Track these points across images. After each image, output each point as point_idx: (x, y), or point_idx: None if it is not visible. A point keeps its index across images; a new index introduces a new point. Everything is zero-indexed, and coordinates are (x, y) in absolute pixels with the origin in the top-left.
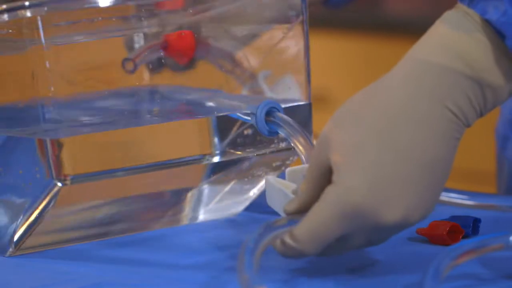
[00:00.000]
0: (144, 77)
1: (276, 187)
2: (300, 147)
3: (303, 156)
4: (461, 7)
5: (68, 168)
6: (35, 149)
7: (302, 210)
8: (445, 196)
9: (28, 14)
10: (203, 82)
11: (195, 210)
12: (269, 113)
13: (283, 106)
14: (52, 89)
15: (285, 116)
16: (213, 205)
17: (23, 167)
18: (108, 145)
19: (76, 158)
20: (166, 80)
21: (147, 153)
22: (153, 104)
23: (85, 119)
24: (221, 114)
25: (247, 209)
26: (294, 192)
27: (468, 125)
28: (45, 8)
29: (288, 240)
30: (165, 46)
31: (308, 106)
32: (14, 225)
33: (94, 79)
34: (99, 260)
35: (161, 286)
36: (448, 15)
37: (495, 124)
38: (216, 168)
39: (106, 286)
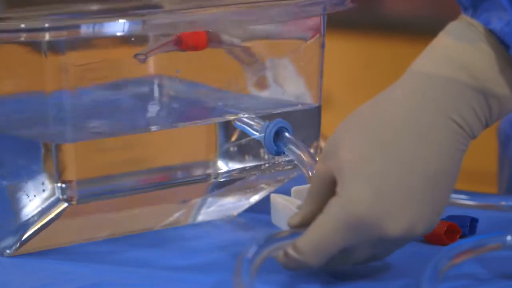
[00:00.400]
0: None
1: (282, 203)
2: (307, 173)
3: (309, 179)
4: (464, 18)
5: (73, 190)
6: (40, 157)
7: (306, 223)
8: None
9: (47, 37)
10: (214, 74)
11: (196, 212)
12: (278, 133)
13: (292, 109)
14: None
15: (293, 139)
16: (214, 207)
17: (28, 174)
18: (114, 154)
19: (83, 174)
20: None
21: (153, 158)
22: (163, 108)
23: (94, 125)
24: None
25: (248, 209)
26: (299, 207)
27: (474, 137)
28: (65, 33)
29: (291, 251)
30: (179, 42)
31: (318, 109)
32: (14, 226)
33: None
34: (98, 260)
35: (160, 286)
36: (451, 26)
37: (497, 123)
38: (221, 185)
39: (106, 286)
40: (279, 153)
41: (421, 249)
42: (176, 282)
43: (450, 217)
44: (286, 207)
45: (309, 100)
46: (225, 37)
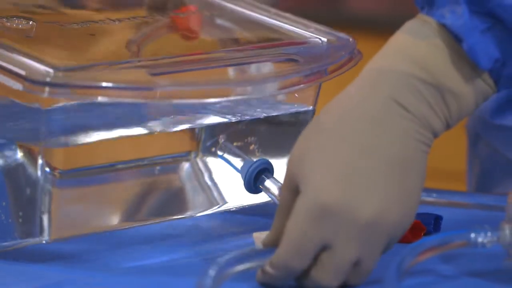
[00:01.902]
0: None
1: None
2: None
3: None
4: (420, 17)
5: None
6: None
7: (279, 239)
8: None
9: (46, 94)
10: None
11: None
12: (259, 173)
13: (287, 111)
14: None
15: (272, 183)
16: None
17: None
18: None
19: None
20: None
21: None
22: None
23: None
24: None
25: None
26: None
27: (435, 134)
28: (69, 91)
29: (268, 268)
30: (172, 27)
31: (312, 112)
32: None
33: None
34: (60, 259)
35: (125, 285)
36: (407, 24)
37: (466, 121)
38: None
39: (68, 285)
40: (258, 191)
41: None
42: (140, 280)
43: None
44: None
45: (305, 104)
46: (219, 21)
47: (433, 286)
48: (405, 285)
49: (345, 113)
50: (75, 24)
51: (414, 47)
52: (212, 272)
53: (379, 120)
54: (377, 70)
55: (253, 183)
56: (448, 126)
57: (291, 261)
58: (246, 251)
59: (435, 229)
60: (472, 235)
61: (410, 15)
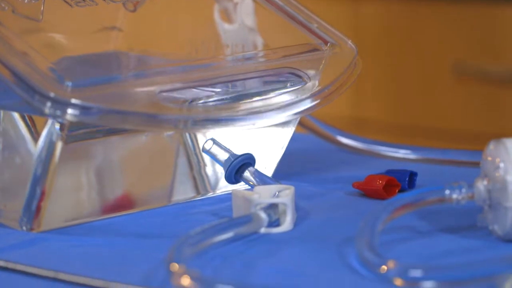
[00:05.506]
0: None
1: (242, 198)
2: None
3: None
4: None
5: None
6: None
7: None
8: (380, 150)
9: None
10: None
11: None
12: (241, 168)
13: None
14: None
15: (252, 176)
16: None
17: None
18: None
19: None
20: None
21: None
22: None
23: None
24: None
25: None
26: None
27: None
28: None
29: None
30: None
31: None
32: None
33: None
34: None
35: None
36: None
37: None
38: None
39: None
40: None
41: (360, 204)
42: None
43: (388, 172)
44: (246, 202)
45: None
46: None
47: (408, 242)
48: (380, 242)
49: None
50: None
51: None
52: (183, 242)
53: None
54: None
55: (234, 175)
56: None
57: None
58: (219, 222)
59: (410, 185)
60: (447, 191)
61: None
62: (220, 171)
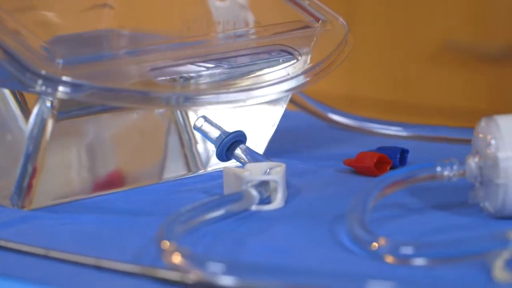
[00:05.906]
0: None
1: (233, 175)
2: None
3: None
4: None
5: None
6: None
7: None
8: (371, 127)
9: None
10: None
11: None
12: (233, 145)
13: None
14: None
15: (243, 153)
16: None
17: None
18: None
19: None
20: None
21: None
22: None
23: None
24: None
25: None
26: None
27: None
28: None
29: None
30: None
31: None
32: None
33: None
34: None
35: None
36: None
37: None
38: None
39: None
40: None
41: (352, 181)
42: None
43: (380, 149)
44: (237, 179)
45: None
46: None
47: (399, 219)
48: (371, 219)
49: None
50: None
51: None
52: (173, 220)
53: None
54: None
55: (225, 153)
56: None
57: None
58: (210, 199)
59: (401, 162)
60: (438, 168)
61: None
62: (212, 148)
